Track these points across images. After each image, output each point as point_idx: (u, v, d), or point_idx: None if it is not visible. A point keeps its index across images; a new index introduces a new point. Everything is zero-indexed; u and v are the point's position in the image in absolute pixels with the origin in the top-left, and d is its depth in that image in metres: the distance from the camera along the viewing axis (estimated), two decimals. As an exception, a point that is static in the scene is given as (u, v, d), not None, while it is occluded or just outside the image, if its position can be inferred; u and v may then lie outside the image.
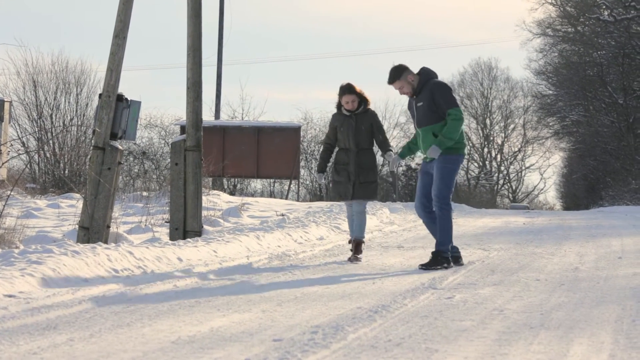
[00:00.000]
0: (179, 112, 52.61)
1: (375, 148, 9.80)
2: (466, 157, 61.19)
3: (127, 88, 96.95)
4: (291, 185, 30.48)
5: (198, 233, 11.43)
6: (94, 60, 71.01)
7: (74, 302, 6.26)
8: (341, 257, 9.74)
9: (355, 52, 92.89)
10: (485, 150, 64.26)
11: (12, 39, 53.38)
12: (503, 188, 64.18)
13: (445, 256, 8.78)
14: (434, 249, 8.89)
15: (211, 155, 22.78)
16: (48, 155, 26.61)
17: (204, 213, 13.31)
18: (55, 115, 28.10)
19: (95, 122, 11.10)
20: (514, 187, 64.55)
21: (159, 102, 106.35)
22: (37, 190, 22.81)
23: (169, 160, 24.33)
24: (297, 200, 27.85)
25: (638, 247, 11.09)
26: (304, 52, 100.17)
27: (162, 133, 35.50)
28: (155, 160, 32.36)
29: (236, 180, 34.20)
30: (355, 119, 9.64)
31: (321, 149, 10.03)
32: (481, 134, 64.27)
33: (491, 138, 64.39)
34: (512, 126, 64.18)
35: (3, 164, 22.76)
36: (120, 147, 11.16)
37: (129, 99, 11.24)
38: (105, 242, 10.51)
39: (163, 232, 12.61)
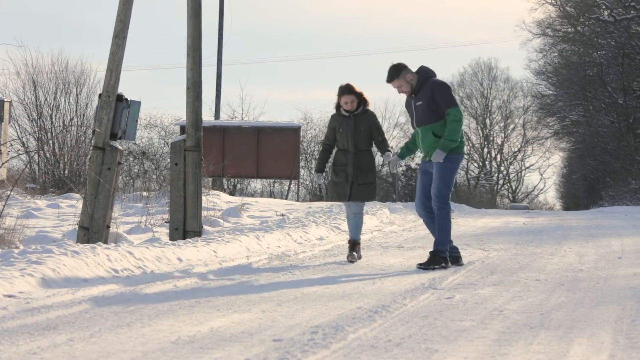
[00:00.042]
0: (179, 112, 52.61)
1: (374, 149, 9.78)
2: (466, 157, 60.69)
3: (127, 88, 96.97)
4: (291, 186, 30.48)
5: (198, 233, 11.43)
6: (94, 60, 71.06)
7: (73, 302, 6.26)
8: (341, 257, 9.74)
9: (355, 52, 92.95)
10: (485, 150, 64.27)
11: (12, 39, 53.39)
12: (503, 188, 64.18)
13: (443, 256, 8.78)
14: (432, 249, 8.90)
15: (211, 155, 22.78)
16: (48, 155, 26.60)
17: (204, 213, 13.31)
18: (55, 115, 28.10)
19: (95, 122, 11.10)
20: (513, 187, 64.56)
21: (159, 102, 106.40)
22: (37, 190, 22.80)
23: (168, 160, 24.34)
24: (297, 201, 27.84)
25: (638, 247, 11.09)
26: (304, 52, 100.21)
27: (162, 133, 35.53)
28: (155, 160, 32.37)
29: (236, 180, 34.20)
30: (354, 119, 9.60)
31: (320, 150, 10.00)
32: (481, 134, 64.28)
33: (491, 138, 64.41)
34: (512, 126, 64.23)
35: (3, 164, 22.76)
36: (120, 147, 11.16)
37: (128, 99, 11.24)
38: (105, 242, 10.51)
39: (163, 232, 12.61)
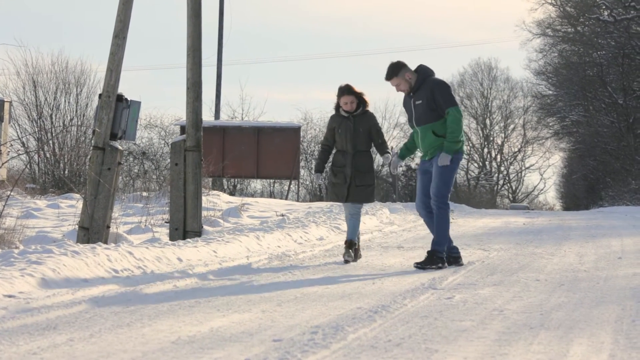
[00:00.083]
0: (179, 112, 52.61)
1: (373, 150, 9.75)
2: (466, 157, 60.61)
3: (127, 88, 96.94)
4: (291, 186, 30.48)
5: (198, 233, 11.43)
6: (94, 61, 71.09)
7: (73, 303, 6.26)
8: (341, 258, 9.74)
9: (355, 52, 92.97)
10: (485, 150, 64.28)
11: (12, 39, 53.33)
12: (503, 188, 64.20)
13: (440, 256, 8.77)
14: (429, 248, 8.90)
15: (211, 155, 22.78)
16: (48, 155, 26.60)
17: (204, 213, 13.32)
18: (55, 116, 28.10)
19: (95, 122, 11.10)
20: (513, 188, 64.58)
21: (159, 102, 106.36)
22: (37, 191, 22.79)
23: (168, 160, 24.34)
24: (297, 201, 27.84)
25: (638, 247, 11.09)
26: (304, 52, 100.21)
27: (162, 133, 35.53)
28: (155, 160, 32.37)
29: (236, 180, 34.20)
30: (353, 120, 9.54)
31: (319, 150, 9.98)
32: (481, 134, 64.29)
33: (491, 138, 64.42)
34: (512, 126, 64.25)
35: (3, 164, 22.75)
36: (120, 148, 11.16)
37: (128, 99, 11.24)
38: (105, 242, 10.50)
39: (163, 233, 12.61)
